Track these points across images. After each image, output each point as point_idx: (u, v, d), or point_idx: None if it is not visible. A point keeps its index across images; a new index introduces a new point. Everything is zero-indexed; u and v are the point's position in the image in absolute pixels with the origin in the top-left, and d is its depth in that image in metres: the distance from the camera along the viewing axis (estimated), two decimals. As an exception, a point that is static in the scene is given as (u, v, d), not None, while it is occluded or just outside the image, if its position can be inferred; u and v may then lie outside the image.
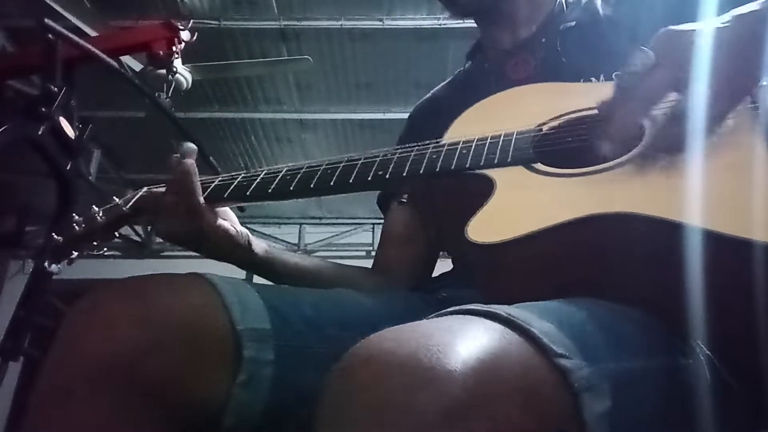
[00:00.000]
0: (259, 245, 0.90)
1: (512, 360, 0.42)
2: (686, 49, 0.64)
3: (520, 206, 0.68)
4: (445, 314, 0.48)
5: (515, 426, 0.39)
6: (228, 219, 0.89)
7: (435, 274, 1.05)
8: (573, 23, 0.97)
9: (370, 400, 0.40)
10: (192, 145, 0.87)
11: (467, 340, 0.42)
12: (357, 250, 5.67)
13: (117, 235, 0.94)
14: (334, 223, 5.83)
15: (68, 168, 0.94)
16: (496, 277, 0.67)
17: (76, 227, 0.91)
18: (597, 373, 0.46)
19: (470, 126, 0.83)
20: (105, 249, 0.94)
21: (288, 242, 5.78)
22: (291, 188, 0.82)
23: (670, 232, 0.57)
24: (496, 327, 0.45)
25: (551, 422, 0.41)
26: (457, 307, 0.49)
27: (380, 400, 0.39)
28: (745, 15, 0.64)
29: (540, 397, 0.41)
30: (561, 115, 0.79)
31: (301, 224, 5.84)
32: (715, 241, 0.55)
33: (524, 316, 0.46)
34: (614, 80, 0.68)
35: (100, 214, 0.92)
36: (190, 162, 0.84)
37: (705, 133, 0.64)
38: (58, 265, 0.91)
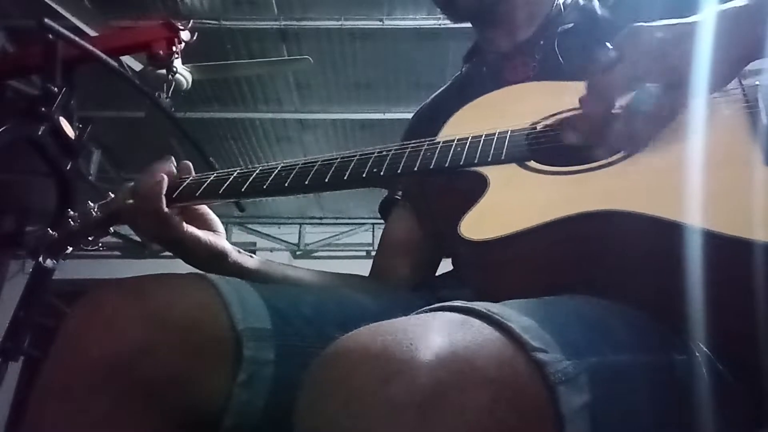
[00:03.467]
0: (238, 259, 0.87)
1: (486, 353, 0.42)
2: (646, 45, 0.66)
3: (512, 204, 0.68)
4: (426, 311, 0.48)
5: (487, 418, 0.39)
6: (210, 228, 0.88)
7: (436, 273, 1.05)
8: (571, 25, 0.97)
9: (343, 392, 0.41)
10: (186, 163, 0.89)
11: (441, 334, 0.43)
12: (357, 250, 5.66)
13: (112, 231, 0.93)
14: (333, 223, 5.82)
15: (68, 168, 0.94)
16: (489, 275, 0.67)
17: (72, 222, 0.91)
18: (576, 367, 0.46)
19: (465, 124, 0.83)
20: (101, 245, 0.93)
21: (288, 242, 5.78)
22: (286, 184, 0.82)
23: (664, 230, 0.57)
24: (474, 322, 0.45)
25: (527, 415, 0.41)
26: (438, 304, 0.49)
27: (353, 391, 0.40)
28: (728, 11, 0.65)
29: (514, 390, 0.41)
30: (556, 114, 0.79)
31: (300, 224, 5.83)
32: (710, 240, 0.55)
33: (504, 312, 0.47)
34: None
35: (95, 210, 0.92)
36: (160, 170, 0.84)
37: (659, 127, 0.67)
38: (54, 261, 0.91)
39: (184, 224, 0.84)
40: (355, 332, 0.45)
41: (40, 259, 0.87)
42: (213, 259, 0.86)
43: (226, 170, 0.88)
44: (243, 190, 0.83)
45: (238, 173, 0.86)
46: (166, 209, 0.82)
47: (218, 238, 0.87)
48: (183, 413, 0.61)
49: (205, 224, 0.89)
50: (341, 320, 0.73)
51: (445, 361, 0.40)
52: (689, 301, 0.55)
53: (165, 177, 0.84)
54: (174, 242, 0.84)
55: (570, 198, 0.66)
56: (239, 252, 0.89)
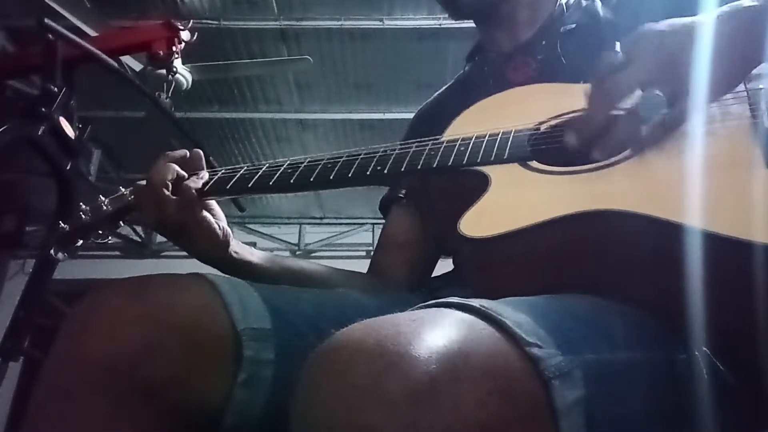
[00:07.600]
0: (239, 247, 0.89)
1: (480, 348, 0.43)
2: (654, 49, 0.66)
3: (513, 202, 0.69)
4: (421, 307, 0.49)
5: (481, 411, 0.39)
6: (216, 217, 0.89)
7: (435, 273, 1.05)
8: (573, 25, 0.97)
9: (339, 386, 0.41)
10: (197, 151, 0.90)
11: (435, 329, 0.43)
12: (357, 250, 5.66)
13: (121, 224, 0.94)
14: (334, 223, 5.82)
15: (68, 168, 0.94)
16: (488, 273, 0.67)
17: (83, 216, 0.92)
18: (570, 363, 0.46)
19: (469, 125, 0.83)
20: (109, 238, 0.94)
21: (288, 242, 5.78)
22: (291, 181, 0.83)
23: (663, 230, 0.57)
24: (468, 318, 0.45)
25: (521, 409, 0.42)
26: (433, 301, 0.49)
27: (348, 385, 0.40)
28: (737, 11, 0.65)
29: (509, 384, 0.42)
30: (560, 115, 0.79)
31: (301, 224, 5.83)
32: (710, 241, 0.55)
33: (498, 308, 0.47)
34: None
35: (106, 203, 0.92)
36: (169, 159, 0.86)
37: (665, 134, 0.66)
38: (64, 253, 0.91)
39: (199, 209, 0.85)
40: (349, 327, 0.45)
41: (51, 252, 0.88)
42: (223, 245, 0.86)
43: (232, 167, 0.89)
44: (250, 185, 0.84)
45: (245, 169, 0.87)
46: (170, 194, 0.82)
47: (227, 229, 0.89)
48: (183, 413, 0.61)
49: (213, 214, 0.90)
50: (341, 320, 0.73)
51: (439, 355, 0.41)
52: (689, 302, 0.55)
53: (172, 163, 0.85)
54: (190, 224, 0.84)
55: (570, 197, 0.66)
56: (241, 244, 0.90)
